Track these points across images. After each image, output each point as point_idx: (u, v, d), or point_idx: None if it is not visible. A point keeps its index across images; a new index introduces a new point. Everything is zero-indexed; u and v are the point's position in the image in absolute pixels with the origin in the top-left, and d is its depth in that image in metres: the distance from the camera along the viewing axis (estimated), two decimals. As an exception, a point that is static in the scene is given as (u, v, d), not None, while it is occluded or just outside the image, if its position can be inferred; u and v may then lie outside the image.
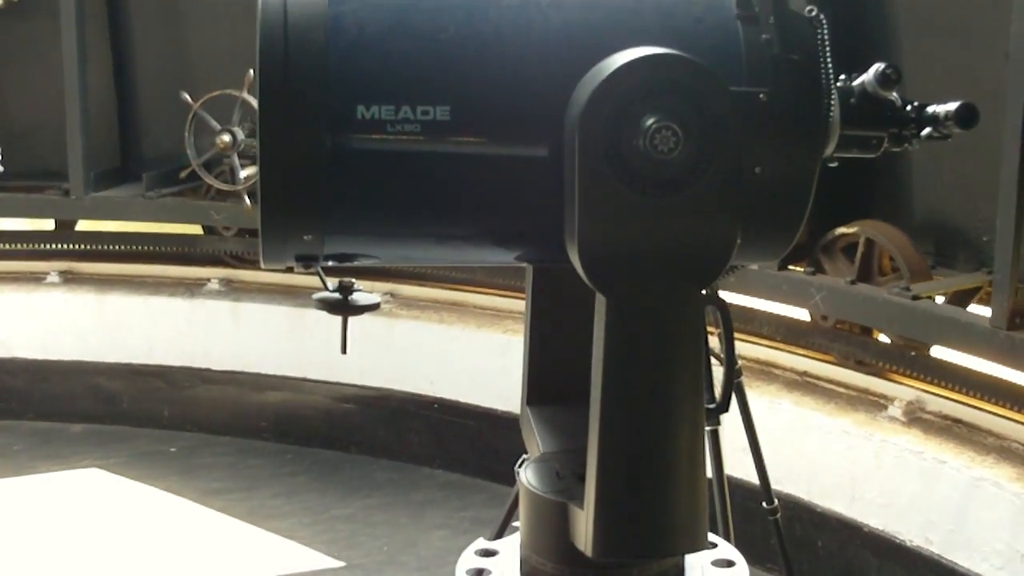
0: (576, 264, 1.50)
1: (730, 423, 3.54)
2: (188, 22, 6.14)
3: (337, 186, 1.53)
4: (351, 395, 5.75)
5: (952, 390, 4.21)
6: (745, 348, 4.72)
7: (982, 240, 4.24)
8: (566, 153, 1.50)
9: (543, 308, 1.87)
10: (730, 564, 1.74)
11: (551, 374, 1.89)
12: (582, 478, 1.58)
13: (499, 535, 3.52)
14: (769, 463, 3.58)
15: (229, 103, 5.27)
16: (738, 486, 3.82)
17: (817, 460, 4.35)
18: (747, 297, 4.60)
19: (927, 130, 1.67)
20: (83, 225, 6.44)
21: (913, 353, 4.27)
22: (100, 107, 6.15)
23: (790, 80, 1.58)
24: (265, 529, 4.96)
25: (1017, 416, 4.06)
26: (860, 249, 4.31)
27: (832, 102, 1.61)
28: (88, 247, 6.37)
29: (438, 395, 5.55)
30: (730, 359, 1.70)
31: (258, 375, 5.91)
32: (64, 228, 6.45)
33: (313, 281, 5.83)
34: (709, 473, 2.93)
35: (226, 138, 5.30)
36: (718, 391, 1.85)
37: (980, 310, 4.10)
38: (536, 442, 1.81)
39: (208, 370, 5.98)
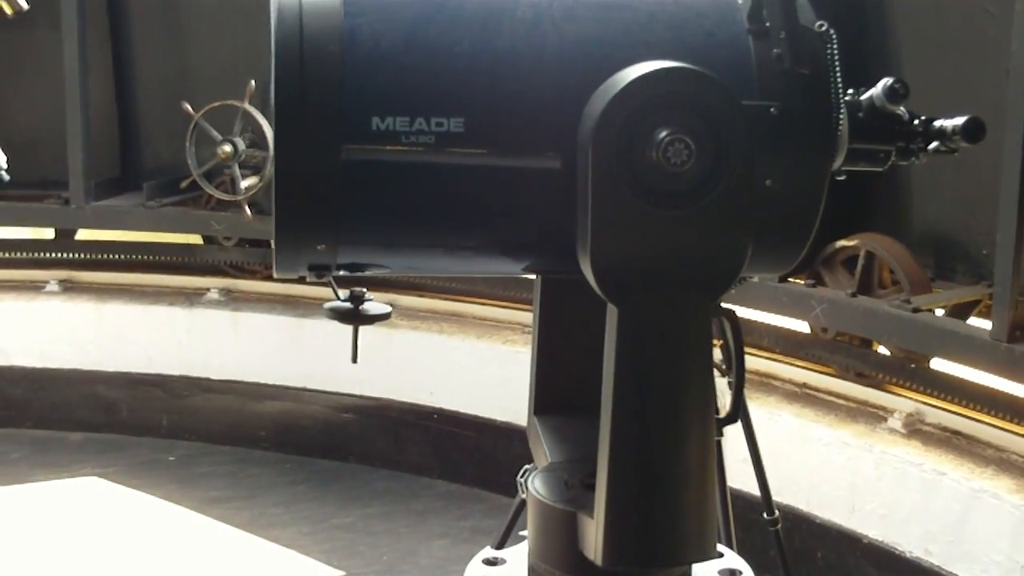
0: (588, 275, 1.52)
1: (730, 434, 3.55)
2: (189, 33, 6.15)
3: (351, 196, 1.54)
4: (350, 405, 5.75)
5: (952, 402, 4.22)
6: (745, 360, 4.72)
7: (982, 253, 4.26)
8: (579, 165, 1.51)
9: (551, 318, 1.89)
10: (737, 574, 1.76)
11: (559, 384, 1.90)
12: (591, 487, 1.59)
13: (501, 545, 3.52)
14: (769, 474, 3.59)
15: (230, 113, 5.28)
16: (737, 497, 3.82)
17: (817, 471, 4.36)
18: (747, 309, 4.62)
19: (934, 144, 1.69)
20: (83, 234, 6.45)
21: (913, 365, 4.28)
22: (101, 117, 6.15)
23: (801, 94, 1.60)
24: (265, 538, 4.95)
25: (1017, 428, 4.07)
26: (860, 262, 4.33)
27: (841, 116, 1.63)
28: (88, 256, 6.37)
29: (437, 405, 5.56)
30: (739, 370, 1.71)
31: (257, 384, 5.91)
32: (64, 237, 6.45)
33: (313, 292, 5.90)
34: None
35: (227, 148, 5.32)
36: (720, 402, 1.86)
37: (980, 323, 4.11)
38: (544, 451, 1.82)
39: (207, 379, 5.98)
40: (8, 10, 3.23)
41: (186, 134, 5.40)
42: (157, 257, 6.28)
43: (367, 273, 1.69)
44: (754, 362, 4.81)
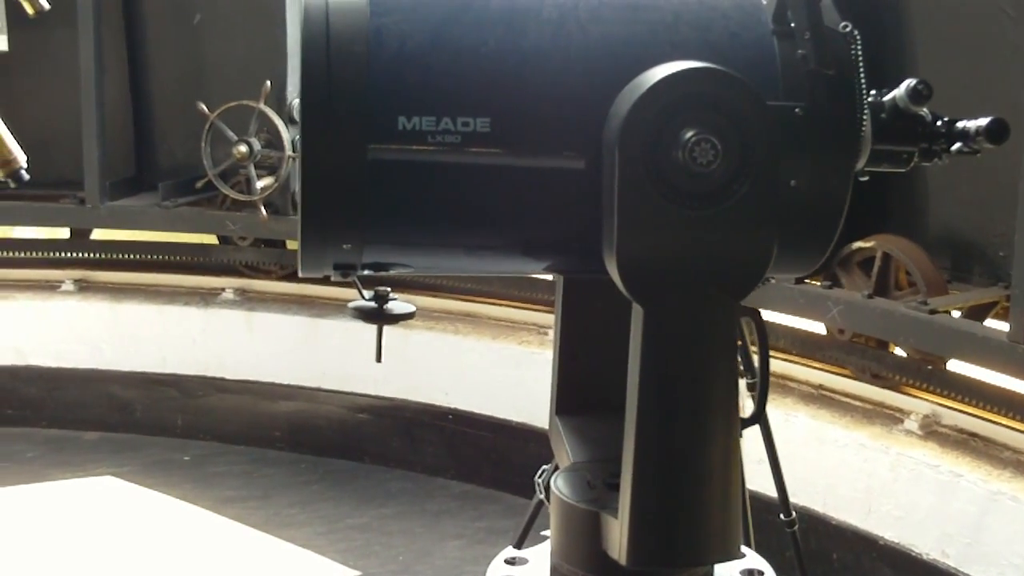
0: (614, 275, 1.52)
1: (746, 435, 3.54)
2: (205, 33, 6.16)
3: (377, 196, 1.54)
4: (365, 405, 5.76)
5: (968, 404, 4.21)
6: (770, 360, 4.72)
7: (999, 255, 4.25)
8: (605, 165, 1.51)
9: (573, 318, 1.88)
10: (760, 574, 1.76)
11: (581, 384, 1.90)
12: (614, 487, 1.59)
13: (519, 546, 3.52)
14: (785, 475, 3.59)
15: (246, 114, 5.30)
16: (753, 498, 3.82)
17: (833, 473, 4.36)
18: (764, 310, 4.61)
19: (957, 145, 1.69)
20: (98, 234, 6.47)
21: (929, 367, 4.27)
22: (116, 117, 6.18)
23: (825, 95, 1.60)
24: (280, 538, 4.96)
25: (1033, 430, 4.07)
26: (877, 263, 4.32)
27: (865, 117, 1.63)
28: (103, 256, 6.40)
29: (453, 406, 5.57)
30: (764, 370, 1.72)
31: (272, 384, 5.92)
32: (79, 237, 6.48)
33: (327, 292, 5.91)
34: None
35: (243, 149, 5.33)
36: (742, 402, 1.86)
37: (997, 325, 4.11)
38: (566, 451, 1.82)
39: (222, 379, 6.00)
40: (30, 9, 3.24)
41: (201, 134, 5.42)
42: (172, 257, 6.30)
43: (391, 272, 1.70)
44: (770, 363, 4.80)
